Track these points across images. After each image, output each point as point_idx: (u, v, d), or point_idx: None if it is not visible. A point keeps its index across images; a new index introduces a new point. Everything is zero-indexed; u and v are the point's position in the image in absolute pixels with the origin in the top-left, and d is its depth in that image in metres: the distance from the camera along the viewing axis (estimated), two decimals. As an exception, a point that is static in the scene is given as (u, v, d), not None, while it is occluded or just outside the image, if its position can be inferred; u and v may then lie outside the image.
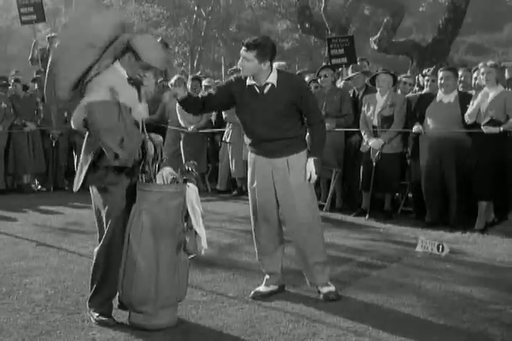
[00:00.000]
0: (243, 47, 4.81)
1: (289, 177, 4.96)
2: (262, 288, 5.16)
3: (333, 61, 11.34)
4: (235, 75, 5.20)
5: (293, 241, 5.14)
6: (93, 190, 4.47)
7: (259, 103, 4.90)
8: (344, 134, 8.94)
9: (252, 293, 5.09)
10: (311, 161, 4.95)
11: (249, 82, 4.95)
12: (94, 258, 4.49)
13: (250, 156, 5.15)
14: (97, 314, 4.46)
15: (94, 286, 4.49)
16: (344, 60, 10.87)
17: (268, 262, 5.21)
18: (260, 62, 4.79)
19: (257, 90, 4.92)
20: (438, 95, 7.82)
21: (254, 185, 5.09)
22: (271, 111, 4.88)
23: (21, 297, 5.06)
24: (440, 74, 7.76)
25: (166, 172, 4.44)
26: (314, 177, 4.95)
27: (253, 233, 5.25)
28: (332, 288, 5.05)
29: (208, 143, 11.17)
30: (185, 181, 4.45)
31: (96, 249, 4.49)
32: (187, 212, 4.41)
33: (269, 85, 4.90)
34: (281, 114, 4.90)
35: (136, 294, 4.29)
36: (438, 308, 4.80)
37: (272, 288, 5.17)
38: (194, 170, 4.53)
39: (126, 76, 4.42)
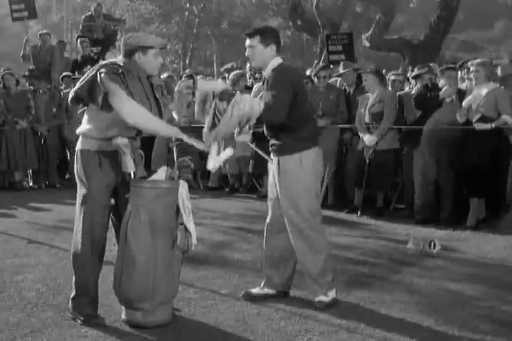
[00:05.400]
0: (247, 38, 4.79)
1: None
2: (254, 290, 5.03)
3: (331, 57, 11.38)
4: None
5: None
6: (77, 182, 4.47)
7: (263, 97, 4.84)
8: (339, 131, 8.95)
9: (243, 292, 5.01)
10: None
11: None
12: (72, 260, 4.46)
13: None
14: (81, 317, 4.41)
15: (74, 289, 4.46)
16: (342, 56, 10.90)
17: (275, 276, 5.00)
18: (265, 46, 4.73)
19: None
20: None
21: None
22: None
23: (13, 294, 5.04)
24: (446, 74, 7.78)
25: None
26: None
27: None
28: (325, 299, 4.79)
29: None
30: (178, 177, 4.45)
31: (72, 251, 4.46)
32: (177, 208, 4.41)
33: (266, 78, 4.82)
34: None
35: (135, 291, 4.26)
36: (429, 305, 4.81)
37: (267, 291, 5.00)
38: (191, 164, 4.53)
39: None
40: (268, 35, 4.76)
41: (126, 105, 4.18)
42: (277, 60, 4.78)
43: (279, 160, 4.77)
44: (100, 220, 4.41)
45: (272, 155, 4.89)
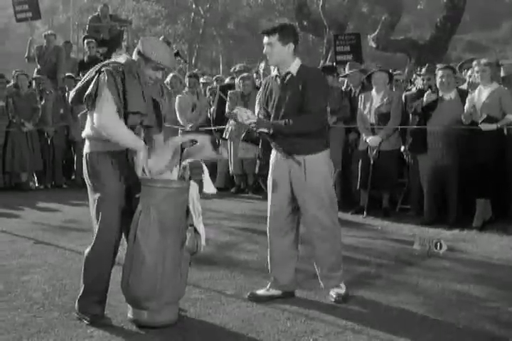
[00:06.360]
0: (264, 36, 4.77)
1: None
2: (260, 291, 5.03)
3: (339, 58, 11.40)
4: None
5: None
6: (89, 185, 4.47)
7: (279, 94, 4.80)
8: (344, 131, 8.94)
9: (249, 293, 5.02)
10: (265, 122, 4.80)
11: (273, 73, 4.93)
12: (84, 260, 4.47)
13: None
14: (88, 318, 4.42)
15: (83, 288, 4.47)
16: (349, 57, 10.92)
17: (280, 277, 5.03)
18: (284, 44, 4.72)
19: (279, 80, 4.84)
20: (439, 93, 7.81)
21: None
22: (289, 102, 4.74)
23: (19, 295, 5.05)
24: (440, 72, 7.72)
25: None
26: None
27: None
28: (341, 291, 4.93)
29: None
30: (189, 177, 4.46)
31: (86, 250, 4.47)
32: (187, 208, 4.41)
33: (289, 75, 4.78)
34: (298, 107, 4.72)
35: (142, 290, 4.27)
36: (435, 306, 4.80)
37: (273, 292, 5.02)
38: (202, 165, 4.55)
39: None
40: (287, 34, 4.75)
41: (104, 114, 4.23)
42: (299, 61, 4.82)
43: (305, 160, 4.77)
44: (117, 221, 4.41)
45: (289, 154, 4.81)
